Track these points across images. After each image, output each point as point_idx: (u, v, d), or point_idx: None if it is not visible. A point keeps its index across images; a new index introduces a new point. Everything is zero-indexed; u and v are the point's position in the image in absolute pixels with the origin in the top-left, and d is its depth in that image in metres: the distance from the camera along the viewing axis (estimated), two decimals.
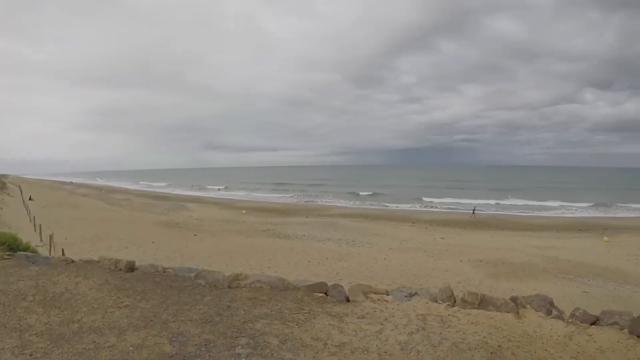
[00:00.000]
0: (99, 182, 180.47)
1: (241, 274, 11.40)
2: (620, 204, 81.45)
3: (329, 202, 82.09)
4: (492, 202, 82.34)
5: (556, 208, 75.71)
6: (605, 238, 40.89)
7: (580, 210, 74.58)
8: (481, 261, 26.64)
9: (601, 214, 69.19)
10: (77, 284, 10.80)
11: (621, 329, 9.71)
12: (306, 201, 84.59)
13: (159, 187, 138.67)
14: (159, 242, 29.66)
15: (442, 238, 37.12)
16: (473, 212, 62.95)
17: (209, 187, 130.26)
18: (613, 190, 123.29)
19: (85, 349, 7.33)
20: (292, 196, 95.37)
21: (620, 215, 69.04)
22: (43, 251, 20.57)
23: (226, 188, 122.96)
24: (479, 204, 75.65)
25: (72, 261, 13.22)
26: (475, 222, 52.17)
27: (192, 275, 11.55)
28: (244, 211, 58.84)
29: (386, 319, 9.08)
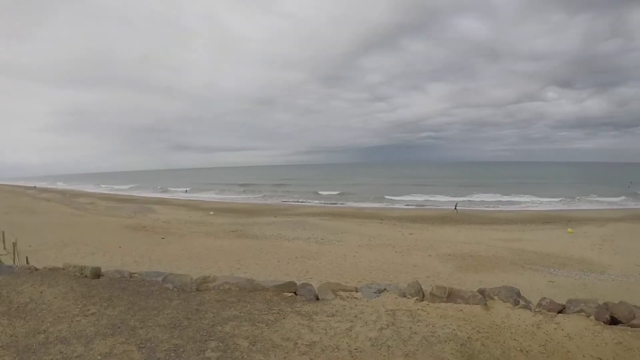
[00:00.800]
0: (61, 186, 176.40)
1: (209, 277, 11.34)
2: (583, 197, 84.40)
3: (297, 201, 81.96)
4: (459, 198, 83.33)
5: (521, 202, 77.26)
6: (569, 229, 42.05)
7: (544, 203, 76.43)
8: (449, 255, 26.91)
9: (565, 207, 71.33)
10: (41, 292, 10.58)
11: (587, 316, 9.95)
12: (274, 201, 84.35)
13: (125, 189, 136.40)
14: (126, 247, 29.20)
15: (410, 234, 37.40)
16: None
17: (176, 188, 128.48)
18: (575, 183, 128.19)
19: None
20: (260, 196, 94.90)
21: (582, 207, 71.05)
22: (6, 260, 20.17)
23: (193, 189, 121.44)
24: (447, 200, 77.10)
25: (37, 269, 12.96)
26: (442, 217, 52.75)
27: (160, 279, 11.44)
28: (211, 212, 58.25)
29: (356, 316, 9.13)
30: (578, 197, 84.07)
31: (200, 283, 10.93)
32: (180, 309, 9.36)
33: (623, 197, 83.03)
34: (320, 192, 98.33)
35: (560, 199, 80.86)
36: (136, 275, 12.17)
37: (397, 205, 72.74)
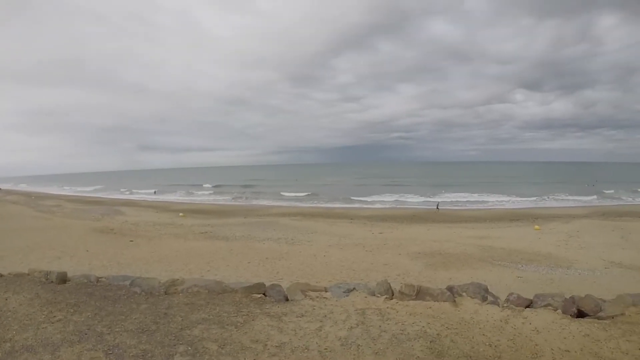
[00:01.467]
0: (25, 188, 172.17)
1: (178, 279, 11.26)
2: (549, 195, 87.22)
3: (268, 202, 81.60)
4: (437, 198, 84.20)
5: (489, 201, 78.74)
6: (536, 226, 42.98)
7: (512, 202, 78.26)
8: (419, 253, 27.12)
9: (532, 205, 73.35)
10: (6, 299, 10.38)
11: (554, 310, 10.17)
12: (244, 201, 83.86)
13: (92, 191, 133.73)
14: (94, 250, 28.69)
15: (380, 233, 37.57)
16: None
17: (145, 189, 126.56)
18: (542, 182, 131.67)
19: None
20: (230, 197, 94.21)
21: (549, 205, 73.59)
22: None
23: (162, 190, 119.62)
24: (417, 200, 78.14)
25: (1, 275, 12.74)
26: (412, 216, 53.29)
27: (127, 283, 11.31)
28: (181, 214, 57.57)
29: (325, 315, 9.17)
30: (544, 196, 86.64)
31: (169, 286, 10.84)
32: (148, 313, 9.27)
33: (587, 195, 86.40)
34: (291, 193, 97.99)
35: (527, 197, 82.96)
36: (103, 279, 12.03)
37: (367, 205, 73.05)
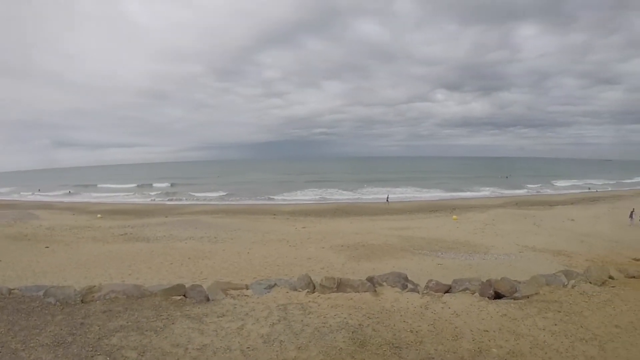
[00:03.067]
0: None
1: (95, 286, 10.86)
2: (466, 187, 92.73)
3: (189, 200, 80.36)
4: (350, 191, 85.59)
5: (409, 193, 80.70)
6: (454, 216, 45.05)
7: (431, 194, 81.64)
8: (342, 246, 27.52)
9: (450, 196, 76.97)
10: None
11: (472, 293, 10.60)
12: (165, 200, 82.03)
13: (2, 193, 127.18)
14: (7, 259, 27.10)
15: (304, 227, 37.84)
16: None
17: (60, 190, 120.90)
18: (460, 176, 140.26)
19: None
20: (150, 195, 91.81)
21: (466, 196, 78.20)
22: None
23: (79, 190, 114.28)
24: (341, 195, 79.11)
25: None
26: (335, 210, 54.02)
27: (41, 294, 10.75)
28: (99, 215, 55.47)
29: (247, 313, 9.14)
30: (462, 188, 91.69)
31: (85, 294, 10.43)
32: (64, 324, 8.88)
33: (502, 187, 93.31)
34: (213, 190, 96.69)
35: (446, 189, 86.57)
36: (16, 291, 11.44)
37: (290, 201, 73.30)
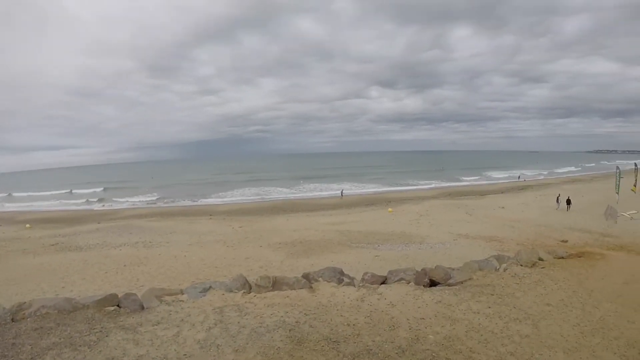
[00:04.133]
0: None
1: (25, 303, 10.36)
2: (401, 180, 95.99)
3: (122, 204, 77.95)
4: (287, 188, 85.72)
5: (345, 188, 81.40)
6: (390, 209, 45.97)
7: (366, 188, 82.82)
8: (280, 243, 27.50)
9: (385, 190, 78.28)
10: None
11: (408, 283, 10.80)
12: (97, 205, 79.31)
13: None
14: None
15: (240, 227, 37.51)
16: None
17: None
18: (394, 170, 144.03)
19: None
20: (81, 201, 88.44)
21: (401, 189, 79.75)
22: None
23: (3, 199, 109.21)
24: (278, 192, 79.07)
25: None
26: (272, 208, 54.03)
27: None
28: (28, 225, 52.93)
29: (182, 319, 8.96)
30: (397, 181, 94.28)
31: (16, 312, 9.93)
32: None
33: (435, 179, 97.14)
34: (147, 192, 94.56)
35: (381, 183, 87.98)
36: None
37: (226, 200, 72.58)
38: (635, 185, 47.52)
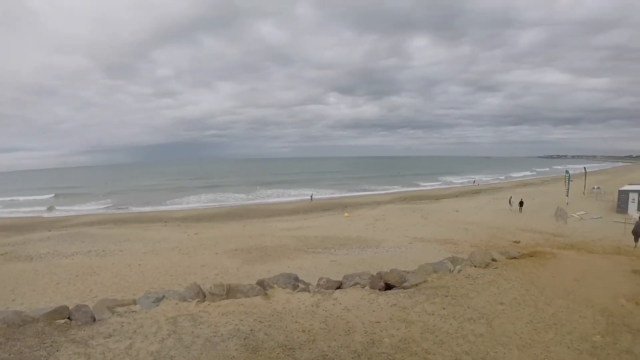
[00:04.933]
0: None
1: None
2: (357, 185, 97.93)
3: (75, 210, 75.76)
4: (243, 194, 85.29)
5: (302, 194, 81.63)
6: (346, 214, 46.50)
7: (323, 193, 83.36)
8: (236, 250, 27.28)
9: (342, 195, 79.15)
10: None
11: (363, 287, 10.85)
12: (48, 212, 76.72)
13: None
14: None
15: (196, 234, 37.07)
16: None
17: None
18: (351, 175, 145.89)
19: None
20: (31, 207, 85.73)
21: (357, 194, 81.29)
22: None
23: None
24: (234, 198, 78.70)
25: None
26: (227, 214, 53.63)
27: None
28: None
29: (135, 331, 8.77)
30: (354, 187, 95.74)
31: None
32: None
33: (391, 184, 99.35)
34: (100, 198, 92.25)
35: (338, 188, 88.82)
36: None
37: (182, 206, 71.62)
38: (585, 188, 50.25)
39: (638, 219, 28.78)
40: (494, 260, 13.92)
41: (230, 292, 10.22)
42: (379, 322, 8.72)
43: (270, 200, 75.38)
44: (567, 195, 46.24)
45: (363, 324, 8.64)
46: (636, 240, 25.32)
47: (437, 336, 8.24)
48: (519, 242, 26.83)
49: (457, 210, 46.13)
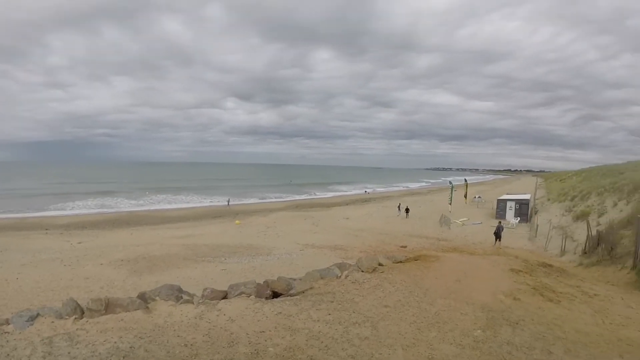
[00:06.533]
0: None
1: None
2: (250, 193, 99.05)
3: None
4: (132, 200, 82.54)
5: (193, 200, 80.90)
6: (237, 221, 46.56)
7: (214, 200, 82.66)
8: (122, 260, 26.22)
9: (234, 202, 78.28)
10: None
11: (248, 296, 10.72)
12: None
13: None
14: None
15: (80, 242, 35.19)
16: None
17: None
18: (244, 183, 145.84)
19: None
20: None
21: (249, 202, 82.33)
22: None
23: None
24: (123, 204, 75.96)
25: None
26: (114, 221, 51.62)
27: None
28: None
29: (8, 354, 8.11)
30: (246, 194, 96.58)
31: None
32: None
33: (284, 192, 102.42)
34: None
35: (231, 195, 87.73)
36: None
37: (66, 212, 67.48)
38: (465, 196, 54.99)
39: (498, 223, 32.92)
40: (380, 264, 14.27)
41: (109, 306, 9.74)
42: (263, 331, 8.66)
43: (160, 206, 73.27)
44: (450, 204, 49.74)
45: (247, 334, 8.54)
46: (496, 240, 30.94)
47: (322, 342, 8.28)
48: (406, 246, 27.91)
49: (348, 218, 47.44)
